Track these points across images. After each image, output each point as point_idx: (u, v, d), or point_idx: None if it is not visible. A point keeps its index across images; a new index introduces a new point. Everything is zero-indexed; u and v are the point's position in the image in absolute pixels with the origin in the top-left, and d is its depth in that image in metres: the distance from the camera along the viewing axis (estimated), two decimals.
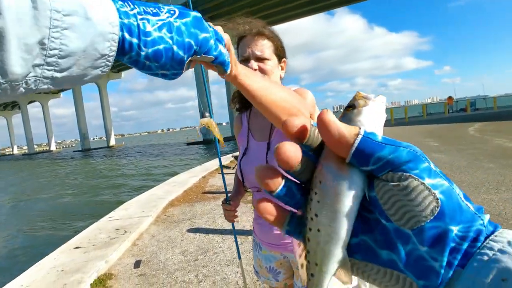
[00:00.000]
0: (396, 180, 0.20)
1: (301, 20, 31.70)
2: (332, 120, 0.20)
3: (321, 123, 0.20)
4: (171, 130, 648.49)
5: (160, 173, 13.23)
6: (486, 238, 0.19)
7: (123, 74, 54.68)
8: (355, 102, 0.23)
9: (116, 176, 14.18)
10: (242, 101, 1.19)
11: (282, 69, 1.12)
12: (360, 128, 0.20)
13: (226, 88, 29.39)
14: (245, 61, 1.06)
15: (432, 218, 0.19)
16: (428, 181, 0.19)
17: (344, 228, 0.21)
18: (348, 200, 0.21)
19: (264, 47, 1.05)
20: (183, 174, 7.75)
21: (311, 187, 0.22)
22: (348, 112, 0.23)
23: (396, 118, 22.77)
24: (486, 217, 0.20)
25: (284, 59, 1.12)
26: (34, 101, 67.25)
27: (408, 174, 0.19)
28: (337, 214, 0.21)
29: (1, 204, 10.48)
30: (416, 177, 0.19)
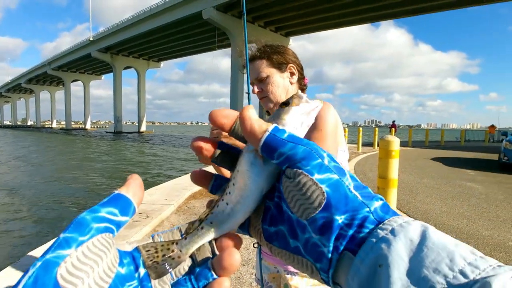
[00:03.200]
0: (292, 177, 0.22)
1: (345, 28, 31.08)
2: (248, 116, 0.23)
3: (240, 118, 0.24)
4: (200, 123, 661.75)
5: (184, 164, 13.52)
6: (377, 225, 0.20)
7: (162, 64, 56.56)
8: (290, 100, 0.26)
9: (142, 161, 14.66)
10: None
11: (291, 74, 1.16)
12: (270, 126, 0.23)
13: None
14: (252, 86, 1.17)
15: (320, 209, 0.21)
16: (316, 176, 0.22)
17: (243, 212, 0.25)
18: (254, 187, 0.24)
19: (257, 68, 1.13)
20: (208, 168, 7.86)
21: (234, 169, 0.26)
22: (280, 108, 0.26)
23: (431, 141, 21.74)
24: (375, 204, 0.21)
25: (289, 65, 1.15)
26: (77, 80, 71.04)
27: (300, 171, 0.22)
28: (243, 199, 0.24)
29: (35, 172, 11.18)
30: (306, 174, 0.22)
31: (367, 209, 0.21)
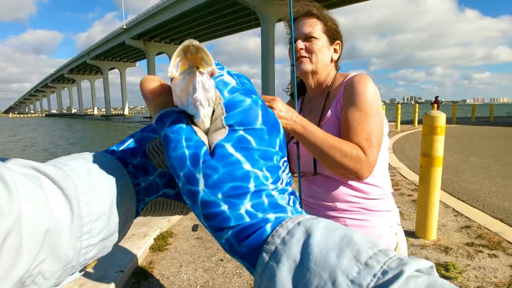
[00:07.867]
0: None
1: None
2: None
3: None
4: None
5: None
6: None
7: None
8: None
9: None
10: (301, 88, 1.21)
11: (335, 51, 1.09)
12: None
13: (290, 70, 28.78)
14: (294, 42, 1.07)
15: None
16: None
17: None
18: None
19: (312, 26, 1.04)
20: None
21: None
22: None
23: (478, 116, 20.13)
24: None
25: (337, 41, 1.09)
26: (114, 68, 74.08)
27: None
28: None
29: None
30: None
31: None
